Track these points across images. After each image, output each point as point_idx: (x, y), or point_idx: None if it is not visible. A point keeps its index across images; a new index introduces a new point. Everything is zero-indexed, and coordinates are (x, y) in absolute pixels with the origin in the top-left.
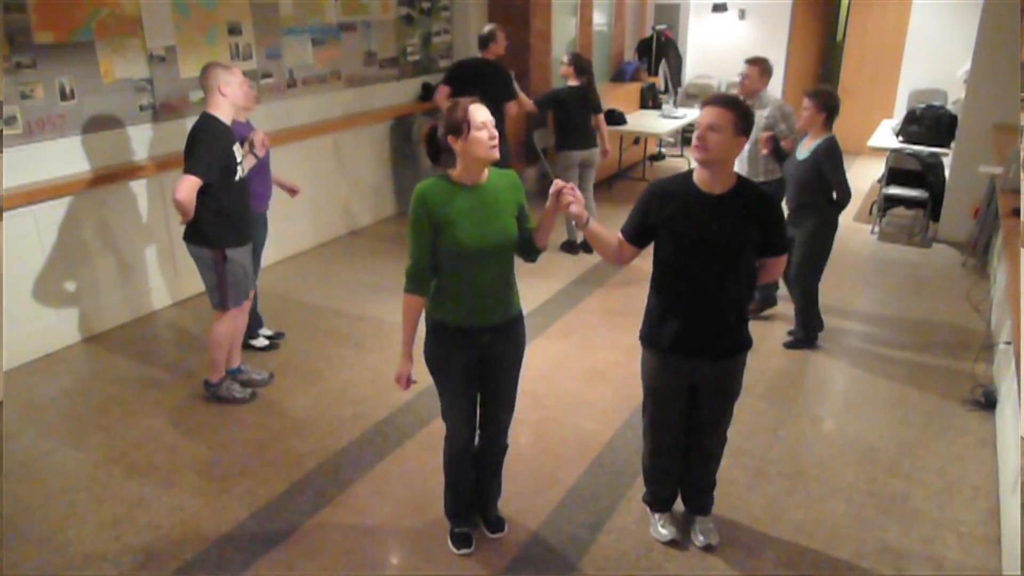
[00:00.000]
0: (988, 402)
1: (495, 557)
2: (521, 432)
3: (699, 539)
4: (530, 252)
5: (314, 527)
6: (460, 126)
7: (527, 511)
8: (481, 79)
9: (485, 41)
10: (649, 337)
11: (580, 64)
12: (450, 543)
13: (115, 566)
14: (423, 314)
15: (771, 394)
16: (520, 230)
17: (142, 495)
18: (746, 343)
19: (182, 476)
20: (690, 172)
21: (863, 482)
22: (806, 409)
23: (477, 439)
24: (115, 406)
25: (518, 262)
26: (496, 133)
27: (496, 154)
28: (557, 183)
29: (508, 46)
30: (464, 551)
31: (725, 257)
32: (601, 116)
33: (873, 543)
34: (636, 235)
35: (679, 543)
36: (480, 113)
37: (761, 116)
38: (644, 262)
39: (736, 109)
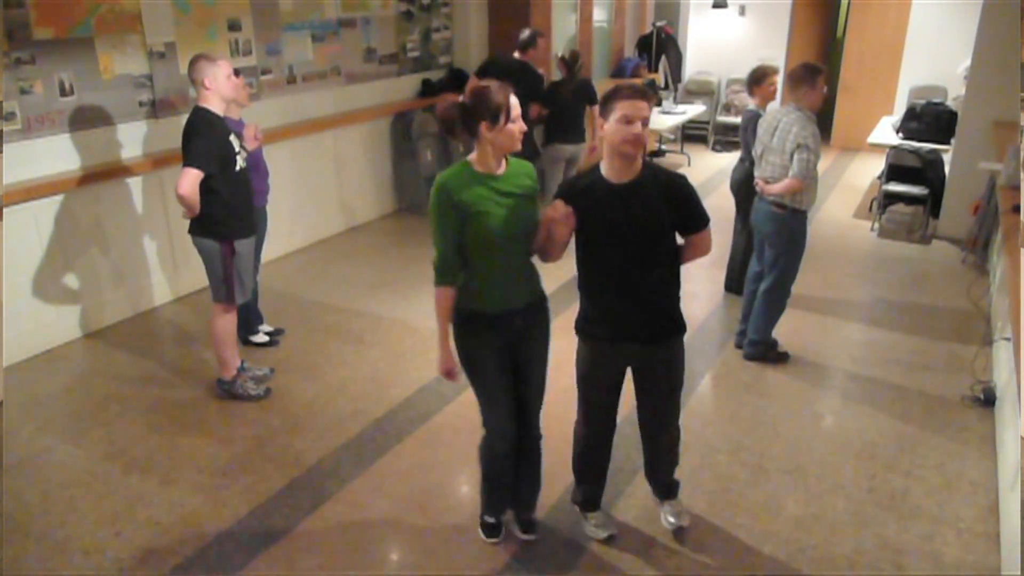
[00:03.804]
0: (987, 399)
1: (495, 553)
2: None
3: (670, 521)
4: None
5: (314, 523)
6: (499, 113)
7: None
8: (515, 77)
9: (526, 45)
10: (582, 327)
11: (564, 59)
12: (481, 532)
13: (115, 562)
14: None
15: (770, 391)
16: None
17: (142, 491)
18: (678, 327)
19: (182, 472)
20: (596, 167)
21: (862, 479)
22: (805, 406)
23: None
24: (115, 402)
25: None
26: (524, 126)
27: (519, 145)
28: (557, 208)
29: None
30: (494, 540)
31: (644, 242)
32: (596, 108)
33: (872, 539)
34: None
35: (614, 537)
36: (517, 104)
37: None
38: None
39: (653, 99)
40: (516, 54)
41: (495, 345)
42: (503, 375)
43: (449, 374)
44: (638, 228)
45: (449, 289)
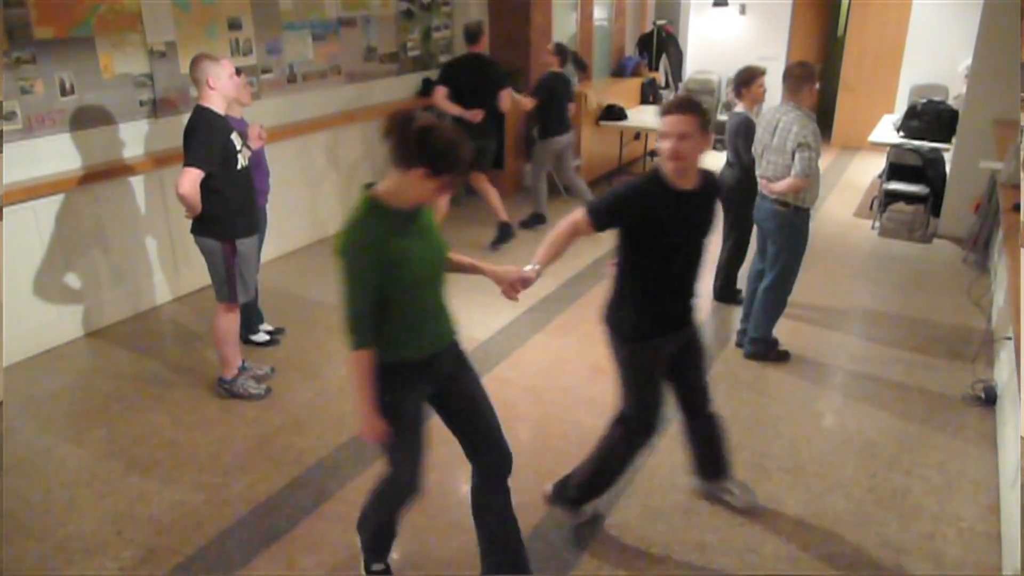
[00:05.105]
0: (988, 397)
1: None
2: (521, 428)
3: (744, 499)
4: None
5: (315, 523)
6: (455, 169)
7: (527, 506)
8: (479, 75)
9: (475, 35)
10: (640, 331)
11: (563, 52)
12: None
13: (116, 561)
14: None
15: (771, 390)
16: None
17: (143, 490)
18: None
19: (183, 471)
20: (657, 171)
21: (863, 477)
22: (806, 404)
23: (477, 474)
24: (116, 401)
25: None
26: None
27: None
28: (518, 276)
29: (496, 40)
30: None
31: (700, 243)
32: (573, 105)
33: (873, 538)
34: (605, 222)
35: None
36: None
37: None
38: None
39: (696, 111)
40: (467, 47)
41: (421, 393)
42: (421, 425)
43: (381, 437)
44: (701, 230)
45: (370, 351)
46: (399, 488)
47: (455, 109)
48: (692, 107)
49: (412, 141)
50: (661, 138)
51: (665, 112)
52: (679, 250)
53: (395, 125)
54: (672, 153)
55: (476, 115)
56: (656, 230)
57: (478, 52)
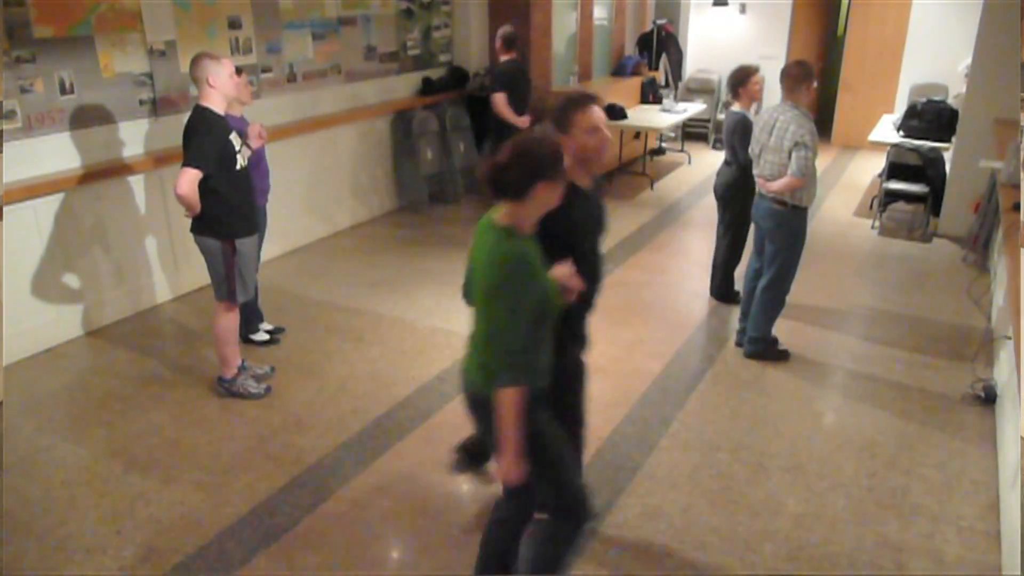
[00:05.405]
0: (988, 397)
1: None
2: None
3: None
4: None
5: (315, 522)
6: (560, 162)
7: None
8: (524, 81)
9: (513, 41)
10: (572, 343)
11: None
12: None
13: (116, 560)
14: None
15: (770, 389)
16: None
17: (143, 489)
18: None
19: (183, 470)
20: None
21: (863, 477)
22: (806, 404)
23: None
24: (116, 401)
25: None
26: None
27: None
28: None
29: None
30: None
31: (599, 244)
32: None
33: (873, 538)
34: None
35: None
36: None
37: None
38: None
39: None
40: (504, 52)
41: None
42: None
43: (523, 477)
44: (602, 228)
45: (525, 387)
46: (578, 523)
47: (513, 116)
48: (598, 99)
49: (520, 169)
50: (590, 133)
51: (587, 104)
52: (589, 254)
53: (500, 170)
54: (605, 144)
55: (526, 121)
56: (571, 232)
57: (517, 59)
